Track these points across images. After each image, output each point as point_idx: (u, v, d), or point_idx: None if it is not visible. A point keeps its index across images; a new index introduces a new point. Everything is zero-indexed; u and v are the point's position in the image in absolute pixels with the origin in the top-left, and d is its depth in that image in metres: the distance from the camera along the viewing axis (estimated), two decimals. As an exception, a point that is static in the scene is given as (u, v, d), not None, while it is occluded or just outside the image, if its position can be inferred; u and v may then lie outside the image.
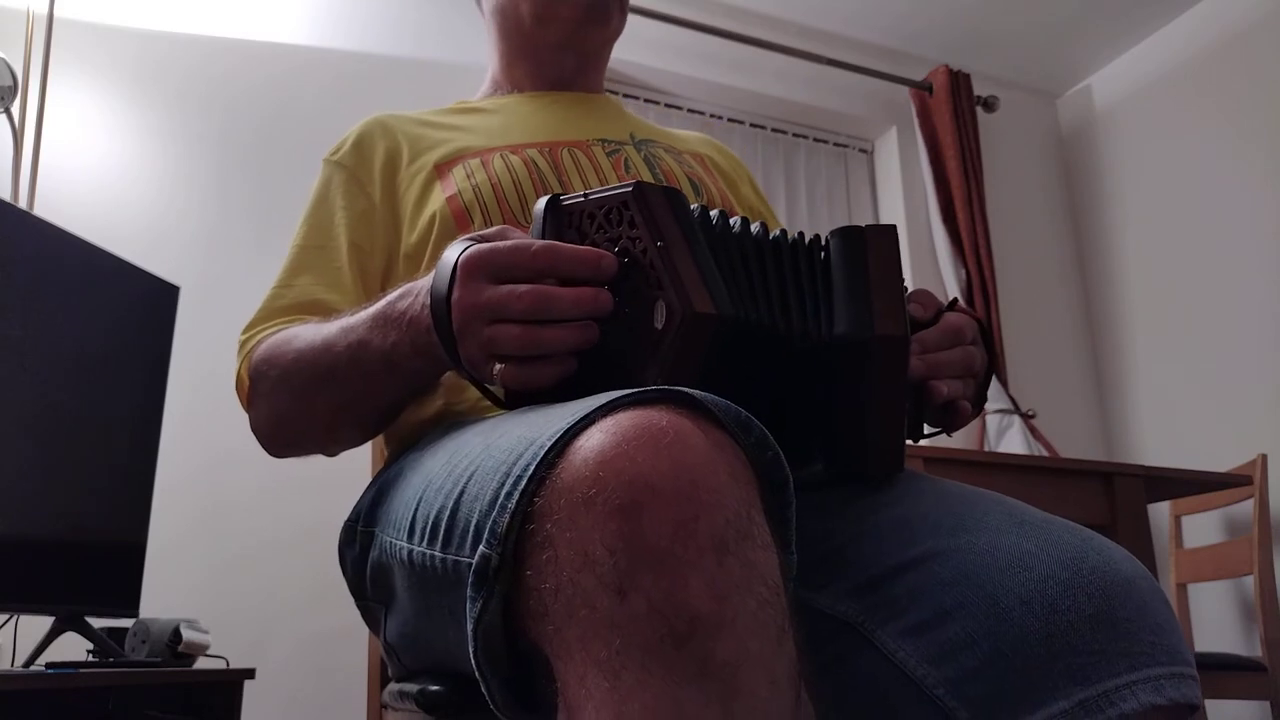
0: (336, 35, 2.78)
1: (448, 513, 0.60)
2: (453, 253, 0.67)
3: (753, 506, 0.49)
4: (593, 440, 0.48)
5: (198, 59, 2.60)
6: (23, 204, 2.15)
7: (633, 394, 0.51)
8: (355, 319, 0.78)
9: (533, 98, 1.09)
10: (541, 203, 0.69)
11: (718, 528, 0.46)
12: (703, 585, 0.44)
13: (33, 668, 1.58)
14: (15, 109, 2.23)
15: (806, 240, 0.70)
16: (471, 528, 0.55)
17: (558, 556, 0.47)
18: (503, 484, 0.51)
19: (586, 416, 0.50)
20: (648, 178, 0.97)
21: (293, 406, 0.85)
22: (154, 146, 2.51)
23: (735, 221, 0.68)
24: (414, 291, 0.72)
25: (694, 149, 1.12)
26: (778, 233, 0.69)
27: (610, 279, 0.64)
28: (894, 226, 0.70)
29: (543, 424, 0.53)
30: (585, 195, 0.67)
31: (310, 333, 0.84)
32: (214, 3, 2.66)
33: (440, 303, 0.66)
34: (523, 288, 0.63)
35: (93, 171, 2.42)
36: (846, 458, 0.71)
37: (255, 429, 0.90)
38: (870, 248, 0.69)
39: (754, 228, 0.69)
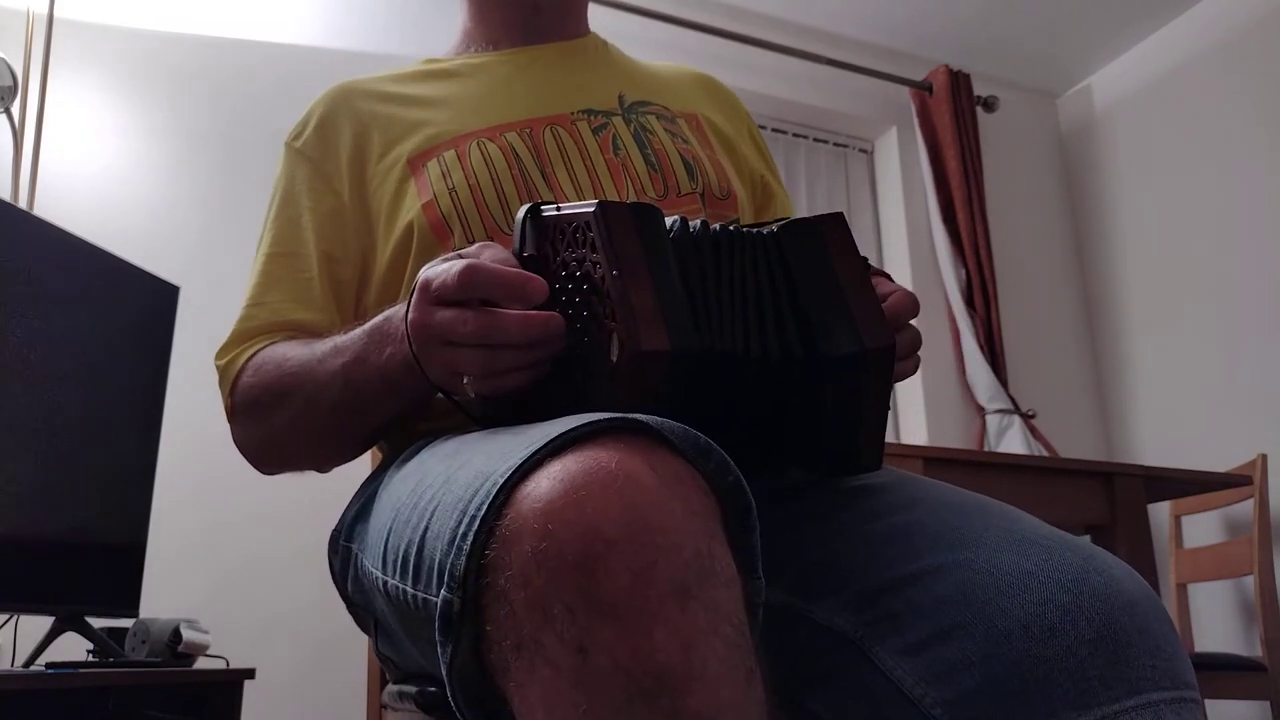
0: (337, 35, 2.78)
1: (415, 548, 0.58)
2: (421, 271, 0.67)
3: (713, 539, 0.47)
4: (540, 487, 0.47)
5: (198, 59, 2.60)
6: (23, 204, 2.15)
7: (582, 428, 0.49)
8: (347, 339, 0.77)
9: (510, 57, 0.99)
10: (522, 212, 0.67)
11: (677, 572, 0.44)
12: (667, 636, 0.43)
13: (33, 668, 1.58)
14: (15, 109, 2.24)
15: (768, 238, 0.66)
16: (435, 566, 0.54)
17: (515, 613, 0.45)
18: (459, 524, 0.50)
19: (534, 456, 0.48)
20: (638, 159, 0.91)
21: (287, 429, 0.84)
22: (154, 146, 2.51)
23: (716, 229, 0.66)
24: (403, 309, 0.72)
25: (689, 108, 1.02)
26: (756, 230, 0.66)
27: (538, 304, 0.62)
28: (842, 214, 0.67)
29: (499, 455, 0.52)
30: (558, 208, 0.65)
31: (303, 353, 0.82)
32: (214, 3, 2.66)
33: (405, 321, 0.67)
34: (470, 313, 0.62)
35: (93, 171, 2.42)
36: (832, 462, 0.70)
37: (244, 450, 0.89)
38: (831, 246, 0.66)
39: (734, 229, 0.66)
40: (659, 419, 0.51)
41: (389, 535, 0.65)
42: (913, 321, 0.75)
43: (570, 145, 0.91)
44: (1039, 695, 0.55)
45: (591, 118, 0.93)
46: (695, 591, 0.44)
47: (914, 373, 0.76)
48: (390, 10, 2.86)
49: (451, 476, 0.57)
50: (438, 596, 0.50)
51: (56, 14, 2.36)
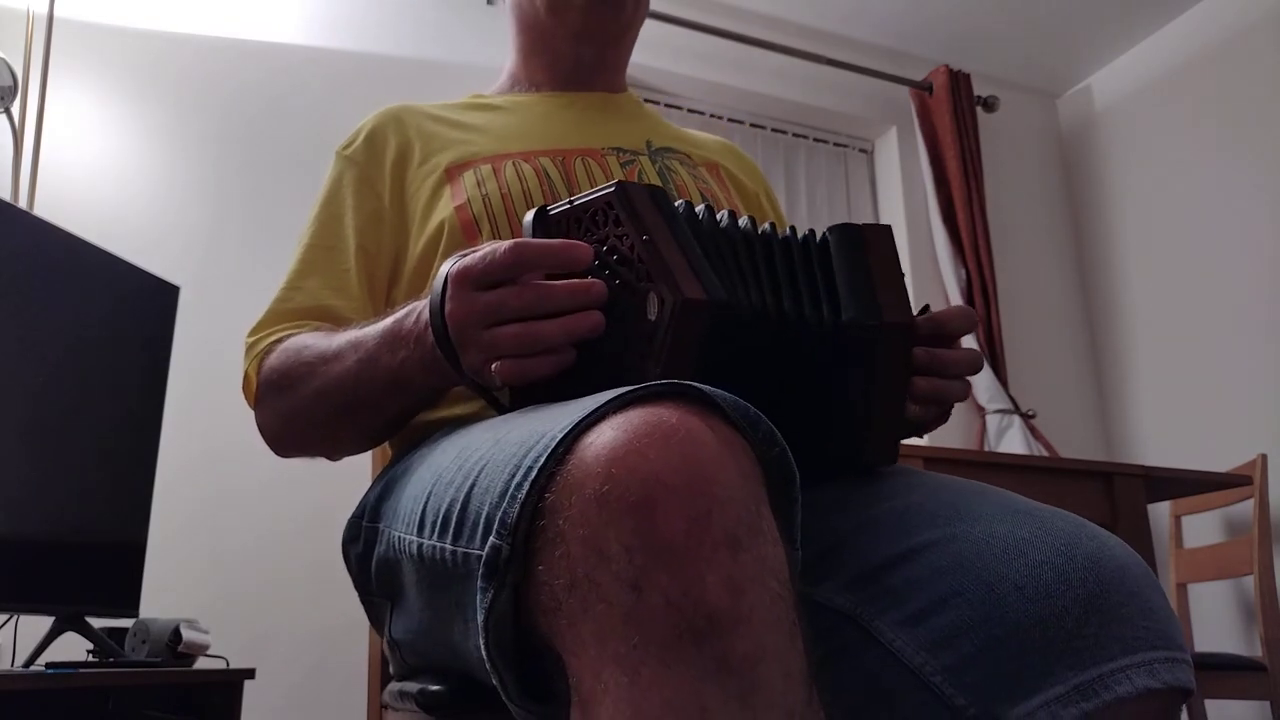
0: (336, 35, 2.78)
1: (459, 506, 0.60)
2: (444, 268, 0.69)
3: (761, 502, 0.49)
4: (604, 436, 0.49)
5: (197, 59, 2.60)
6: (23, 204, 2.15)
7: (642, 389, 0.51)
8: (364, 334, 0.80)
9: (550, 98, 1.08)
10: (529, 215, 0.70)
11: (730, 523, 0.46)
12: (719, 580, 0.45)
13: (33, 668, 1.58)
14: (15, 109, 2.23)
15: (800, 236, 0.71)
16: (482, 520, 0.56)
17: (570, 553, 0.47)
18: (513, 476, 0.52)
19: (597, 411, 0.51)
20: None
21: (300, 416, 0.87)
22: (154, 146, 2.51)
23: (723, 215, 0.70)
24: (417, 310, 0.74)
25: (711, 158, 1.10)
26: (766, 226, 0.71)
27: (586, 267, 0.65)
28: (890, 226, 0.72)
29: (552, 419, 0.54)
30: (571, 202, 0.68)
31: (321, 344, 0.84)
32: (214, 3, 2.66)
33: (436, 316, 0.68)
34: (517, 287, 0.64)
35: (93, 171, 2.42)
36: (844, 449, 0.72)
37: (262, 430, 0.92)
38: (869, 245, 0.71)
39: (742, 221, 0.70)
40: (710, 388, 0.52)
41: (428, 498, 0.66)
42: None
43: (598, 174, 0.98)
44: (1036, 655, 0.57)
45: (620, 154, 1.01)
46: (746, 544, 0.46)
47: (964, 397, 0.77)
48: (390, 12, 2.86)
49: (501, 439, 0.59)
50: (481, 549, 0.52)
51: (56, 14, 2.36)
